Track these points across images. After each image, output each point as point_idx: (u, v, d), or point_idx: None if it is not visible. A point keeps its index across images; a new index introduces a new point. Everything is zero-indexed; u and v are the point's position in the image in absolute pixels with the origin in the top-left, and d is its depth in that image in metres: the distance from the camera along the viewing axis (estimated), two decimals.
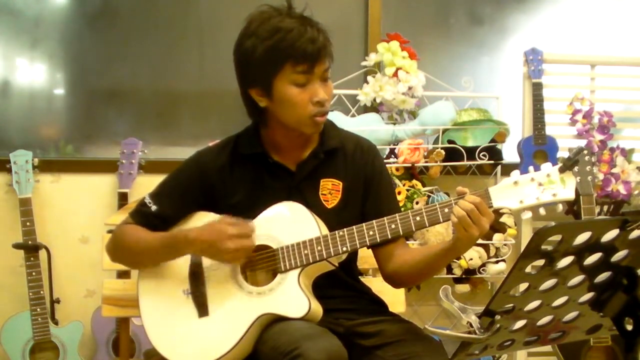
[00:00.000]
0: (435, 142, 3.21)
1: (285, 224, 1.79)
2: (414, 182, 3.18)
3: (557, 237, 1.37)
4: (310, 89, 1.76)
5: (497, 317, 1.45)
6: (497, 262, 3.18)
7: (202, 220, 1.86)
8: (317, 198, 1.85)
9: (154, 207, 1.88)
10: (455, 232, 1.69)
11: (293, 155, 1.88)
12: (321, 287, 1.80)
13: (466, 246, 1.71)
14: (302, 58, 1.73)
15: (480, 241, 3.12)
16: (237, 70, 1.83)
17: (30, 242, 3.00)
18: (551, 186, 1.63)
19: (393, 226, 1.73)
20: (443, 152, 3.17)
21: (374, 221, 1.74)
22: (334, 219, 1.82)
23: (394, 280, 1.90)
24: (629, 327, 1.52)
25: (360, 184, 1.89)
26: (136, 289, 1.90)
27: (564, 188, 1.63)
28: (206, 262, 1.83)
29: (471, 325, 1.49)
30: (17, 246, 3.00)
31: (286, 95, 1.76)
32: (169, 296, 1.84)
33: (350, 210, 1.86)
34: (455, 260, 3.11)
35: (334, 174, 1.88)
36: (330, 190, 1.87)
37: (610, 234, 1.41)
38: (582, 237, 1.39)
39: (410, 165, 3.15)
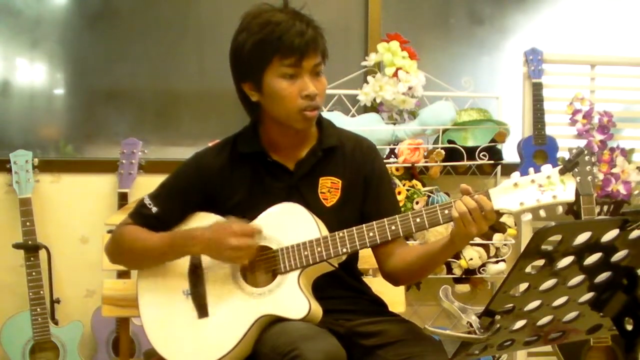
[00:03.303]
0: (435, 142, 3.21)
1: (285, 225, 1.78)
2: (414, 182, 3.18)
3: (557, 237, 1.36)
4: (300, 82, 1.76)
5: (497, 317, 1.45)
6: (497, 262, 3.17)
7: (202, 221, 1.85)
8: (316, 196, 1.85)
9: (154, 209, 1.87)
10: (454, 227, 1.68)
11: (291, 154, 1.87)
12: (321, 288, 1.80)
13: (463, 242, 1.70)
14: (289, 51, 1.73)
15: (480, 241, 3.12)
16: (230, 65, 1.84)
17: (30, 242, 3.00)
18: (551, 188, 1.63)
19: (393, 227, 1.72)
20: (443, 152, 3.17)
21: (374, 222, 1.74)
22: (333, 217, 1.82)
23: (393, 278, 1.89)
24: (629, 327, 1.52)
25: (359, 182, 1.88)
26: (136, 289, 1.90)
27: (564, 190, 1.62)
28: (206, 262, 1.82)
29: (471, 325, 1.49)
30: (17, 246, 3.00)
31: (275, 88, 1.76)
32: (169, 297, 1.84)
33: (349, 209, 1.86)
34: (455, 260, 3.11)
35: (333, 172, 1.87)
36: (330, 189, 1.86)
37: (610, 234, 1.41)
38: (582, 237, 1.39)
39: (410, 165, 3.15)
